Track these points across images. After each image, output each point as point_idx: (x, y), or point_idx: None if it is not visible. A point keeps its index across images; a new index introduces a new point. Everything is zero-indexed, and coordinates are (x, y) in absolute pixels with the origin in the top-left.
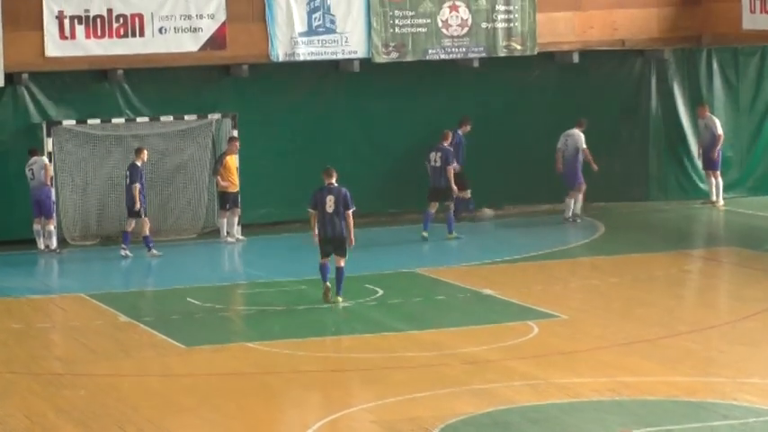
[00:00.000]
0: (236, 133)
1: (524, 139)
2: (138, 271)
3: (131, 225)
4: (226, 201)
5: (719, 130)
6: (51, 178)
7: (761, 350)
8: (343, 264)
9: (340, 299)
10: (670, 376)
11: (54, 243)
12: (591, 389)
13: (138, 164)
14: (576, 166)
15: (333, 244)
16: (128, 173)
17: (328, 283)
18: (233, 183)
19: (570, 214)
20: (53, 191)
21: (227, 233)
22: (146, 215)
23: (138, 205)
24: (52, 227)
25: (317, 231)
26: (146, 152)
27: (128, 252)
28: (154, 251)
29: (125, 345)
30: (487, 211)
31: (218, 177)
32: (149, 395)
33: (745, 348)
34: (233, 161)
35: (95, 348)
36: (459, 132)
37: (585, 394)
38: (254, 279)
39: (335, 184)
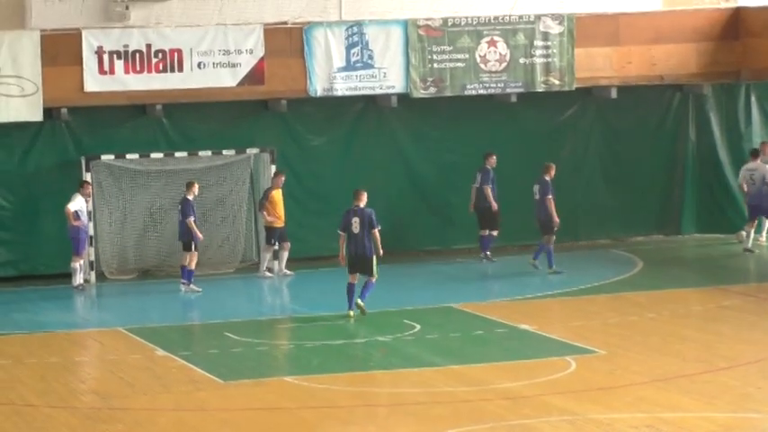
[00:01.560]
0: (274, 168)
1: (562, 174)
2: (175, 305)
3: (187, 259)
4: (272, 236)
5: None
6: (73, 216)
7: None
8: (372, 281)
9: (361, 302)
10: (708, 412)
11: (78, 279)
12: (629, 425)
13: (190, 198)
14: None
15: (359, 263)
16: (180, 207)
17: (351, 312)
18: (279, 217)
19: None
20: (82, 229)
21: (268, 269)
22: (197, 249)
23: (200, 237)
24: (75, 264)
25: (344, 252)
26: (197, 186)
27: (192, 287)
28: (193, 286)
29: (162, 379)
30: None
31: (264, 212)
32: (186, 430)
33: None
34: (279, 195)
35: (132, 382)
36: (489, 168)
37: (623, 430)
38: (292, 313)
39: (362, 206)
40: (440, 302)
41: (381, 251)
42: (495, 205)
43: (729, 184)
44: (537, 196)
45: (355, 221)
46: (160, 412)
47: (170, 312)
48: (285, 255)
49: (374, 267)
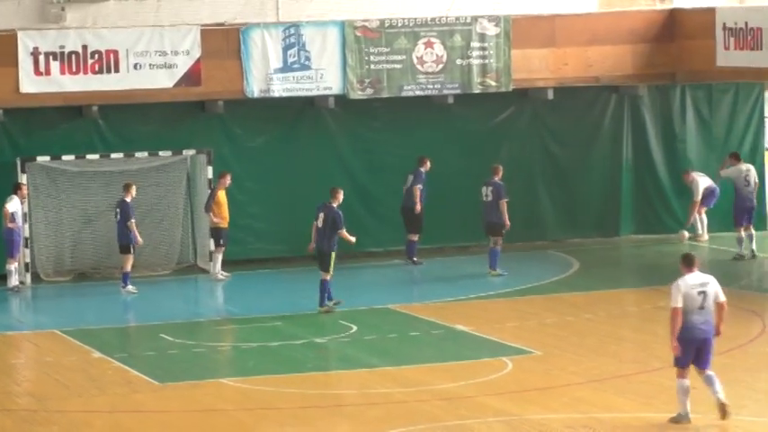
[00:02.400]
0: (211, 169)
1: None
2: (111, 307)
3: (127, 262)
4: (220, 236)
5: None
6: (9, 218)
7: (735, 387)
8: (325, 277)
9: (319, 308)
10: (644, 412)
11: (13, 281)
12: (565, 425)
13: (128, 200)
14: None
15: (317, 258)
16: (118, 210)
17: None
18: (224, 218)
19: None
20: (16, 231)
21: (218, 271)
22: (134, 251)
23: (140, 241)
24: (11, 266)
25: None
26: (134, 188)
27: (129, 288)
28: (129, 287)
29: (98, 381)
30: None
31: (211, 213)
32: None
33: None
34: (224, 196)
35: (68, 384)
36: (422, 171)
37: (560, 430)
38: (228, 315)
39: (332, 204)
40: (376, 304)
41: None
42: (418, 207)
43: (663, 186)
44: (488, 198)
45: (320, 217)
46: (96, 414)
47: (106, 314)
48: (220, 256)
49: (329, 264)
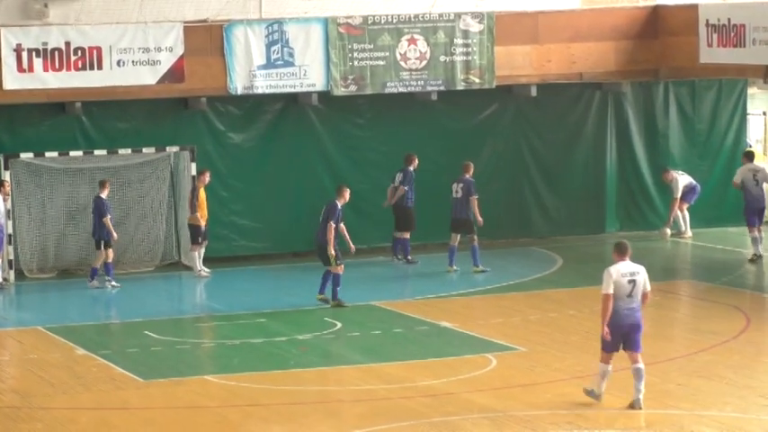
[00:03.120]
0: (194, 168)
1: (483, 172)
2: (95, 304)
3: (104, 257)
4: (198, 234)
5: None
6: None
7: (718, 383)
8: (330, 270)
9: (319, 296)
10: (628, 408)
11: None
12: (549, 421)
13: (103, 196)
14: None
15: (317, 252)
16: (94, 206)
17: (319, 296)
18: (204, 216)
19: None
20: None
21: (201, 268)
22: (110, 246)
23: (115, 236)
24: None
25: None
26: (108, 184)
27: (114, 283)
28: (113, 282)
29: (82, 378)
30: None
31: (198, 213)
32: (107, 429)
33: (702, 381)
34: (203, 194)
35: (52, 381)
36: (411, 169)
37: (544, 427)
38: (212, 312)
39: (333, 201)
40: (361, 300)
41: (332, 248)
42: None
43: (647, 183)
44: (458, 195)
45: (322, 212)
46: (81, 411)
47: (90, 311)
48: (202, 252)
49: (329, 258)
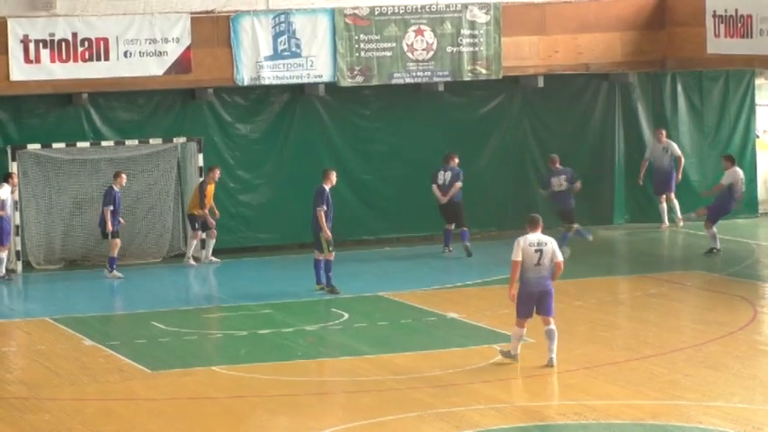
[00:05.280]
0: (201, 159)
1: (489, 163)
2: (103, 295)
3: (111, 247)
4: (194, 221)
5: (679, 152)
6: None
7: (725, 374)
8: (318, 257)
9: (317, 286)
10: (635, 399)
11: (2, 270)
12: (557, 412)
13: (116, 188)
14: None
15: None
16: (103, 196)
17: (317, 285)
18: (205, 207)
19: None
20: (5, 219)
21: (194, 257)
22: (117, 237)
23: (109, 227)
24: (2, 254)
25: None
26: (124, 176)
27: (115, 273)
28: (115, 272)
29: (90, 369)
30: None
31: (205, 210)
32: (114, 419)
33: (709, 372)
34: (211, 190)
35: (60, 372)
36: (457, 168)
37: (551, 417)
38: (219, 303)
39: (322, 185)
40: (368, 291)
41: (326, 232)
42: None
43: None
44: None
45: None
46: (88, 402)
47: (97, 302)
48: (212, 243)
49: (322, 244)
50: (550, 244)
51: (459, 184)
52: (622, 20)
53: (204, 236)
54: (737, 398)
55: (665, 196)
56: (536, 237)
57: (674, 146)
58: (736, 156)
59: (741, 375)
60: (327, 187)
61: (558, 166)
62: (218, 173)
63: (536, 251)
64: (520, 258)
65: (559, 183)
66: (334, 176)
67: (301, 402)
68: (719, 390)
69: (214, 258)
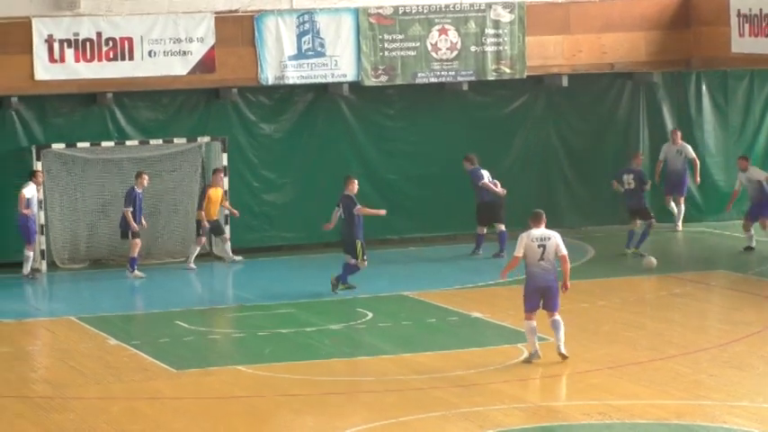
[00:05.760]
0: (225, 159)
1: (514, 163)
2: (127, 294)
3: (134, 248)
4: (199, 228)
5: (694, 154)
6: (25, 204)
7: (750, 374)
8: (349, 261)
9: (341, 286)
10: (660, 399)
11: (27, 268)
12: (581, 412)
13: (137, 189)
14: None
15: (344, 246)
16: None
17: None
18: (208, 214)
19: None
20: (31, 218)
21: (192, 260)
22: (137, 237)
23: (134, 227)
24: (29, 252)
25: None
26: (146, 177)
27: (137, 273)
28: (137, 272)
29: (114, 368)
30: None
31: (202, 212)
32: (139, 418)
33: (734, 372)
34: (216, 194)
35: (84, 371)
36: (484, 172)
37: (575, 417)
38: (243, 302)
39: (345, 193)
40: (393, 291)
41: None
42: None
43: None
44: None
45: (340, 208)
46: (112, 401)
47: (121, 301)
48: (228, 244)
49: (356, 251)
50: (554, 238)
51: (484, 182)
52: (647, 19)
53: (204, 239)
54: (762, 398)
55: (672, 197)
56: (539, 232)
57: (689, 148)
58: (761, 155)
59: (766, 375)
60: (352, 194)
61: (635, 163)
62: (221, 176)
63: (539, 246)
64: (521, 254)
65: (628, 181)
66: (355, 185)
67: (325, 402)
68: (744, 390)
69: (236, 257)
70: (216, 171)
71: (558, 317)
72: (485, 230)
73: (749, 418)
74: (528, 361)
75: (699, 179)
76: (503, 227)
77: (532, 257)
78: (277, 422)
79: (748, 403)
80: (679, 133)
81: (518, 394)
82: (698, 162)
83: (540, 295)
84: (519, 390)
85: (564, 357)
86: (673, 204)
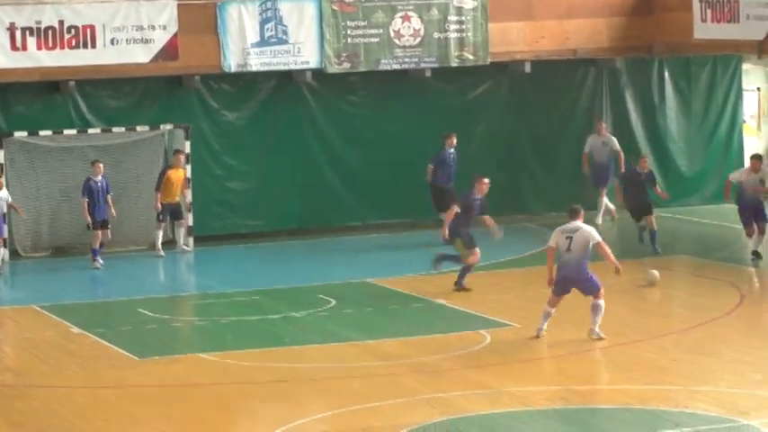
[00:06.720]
0: (188, 146)
1: (477, 149)
2: (90, 282)
3: (95, 240)
4: (157, 213)
5: (618, 146)
6: None
7: (713, 358)
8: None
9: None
10: (622, 384)
11: None
12: (544, 397)
13: (94, 178)
14: None
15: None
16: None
17: None
18: (167, 196)
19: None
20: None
21: (185, 245)
22: (96, 229)
23: (86, 219)
24: None
25: None
26: (100, 165)
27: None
28: (96, 262)
29: (78, 356)
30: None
31: (159, 193)
32: (103, 407)
33: (697, 357)
34: (176, 174)
35: (48, 360)
36: (452, 151)
37: (538, 402)
38: (206, 290)
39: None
40: (355, 277)
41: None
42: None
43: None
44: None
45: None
46: (76, 389)
47: (84, 289)
48: (182, 230)
49: (460, 249)
50: (582, 231)
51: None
52: (609, 5)
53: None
54: (725, 383)
55: (602, 190)
56: (571, 225)
57: (614, 140)
58: (722, 141)
59: (728, 360)
60: (477, 195)
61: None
62: (182, 158)
63: (566, 238)
64: (553, 245)
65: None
66: (483, 184)
67: (290, 389)
68: (707, 375)
69: (186, 246)
70: (177, 152)
71: (598, 300)
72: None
73: (712, 403)
74: (536, 336)
75: (623, 169)
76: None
77: (561, 248)
78: (241, 409)
79: (711, 388)
80: (604, 125)
81: (481, 380)
82: (622, 155)
83: (570, 284)
84: (482, 375)
85: (598, 339)
86: (605, 199)
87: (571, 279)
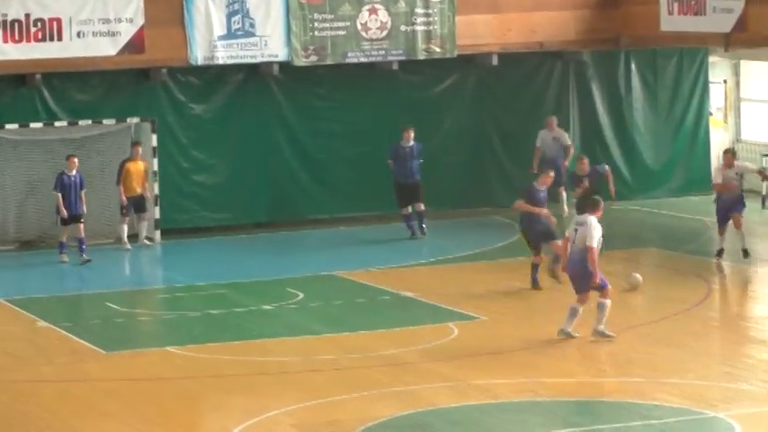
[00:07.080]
0: (155, 139)
1: (444, 142)
2: (56, 276)
3: (63, 234)
4: (121, 207)
5: (569, 141)
6: None
7: (680, 351)
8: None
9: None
10: (590, 377)
11: None
12: (511, 390)
13: (68, 172)
14: None
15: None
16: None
17: None
18: (128, 189)
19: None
20: None
21: (148, 238)
22: (66, 224)
23: (62, 213)
24: None
25: None
26: (75, 160)
27: (63, 258)
28: (63, 257)
29: (44, 350)
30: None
31: (121, 187)
32: (70, 401)
33: (664, 349)
34: (135, 167)
35: (14, 354)
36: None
37: (505, 395)
38: (173, 283)
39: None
40: (323, 270)
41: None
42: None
43: (612, 152)
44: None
45: None
46: (43, 384)
47: (51, 283)
48: (144, 224)
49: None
50: (585, 226)
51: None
52: None
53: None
54: (692, 374)
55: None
56: (582, 217)
57: (565, 135)
58: (689, 133)
59: (696, 352)
60: (540, 187)
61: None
62: (139, 150)
63: (575, 230)
64: (567, 234)
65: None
66: (547, 177)
67: (256, 382)
68: (674, 367)
69: (147, 241)
70: (135, 144)
71: (602, 300)
72: (409, 210)
73: (679, 395)
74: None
75: (567, 164)
76: (422, 206)
77: (571, 239)
78: (208, 403)
79: (678, 380)
80: (555, 119)
81: (449, 373)
82: (572, 149)
83: (570, 277)
84: (450, 368)
85: (603, 337)
86: (564, 193)
87: (569, 272)
